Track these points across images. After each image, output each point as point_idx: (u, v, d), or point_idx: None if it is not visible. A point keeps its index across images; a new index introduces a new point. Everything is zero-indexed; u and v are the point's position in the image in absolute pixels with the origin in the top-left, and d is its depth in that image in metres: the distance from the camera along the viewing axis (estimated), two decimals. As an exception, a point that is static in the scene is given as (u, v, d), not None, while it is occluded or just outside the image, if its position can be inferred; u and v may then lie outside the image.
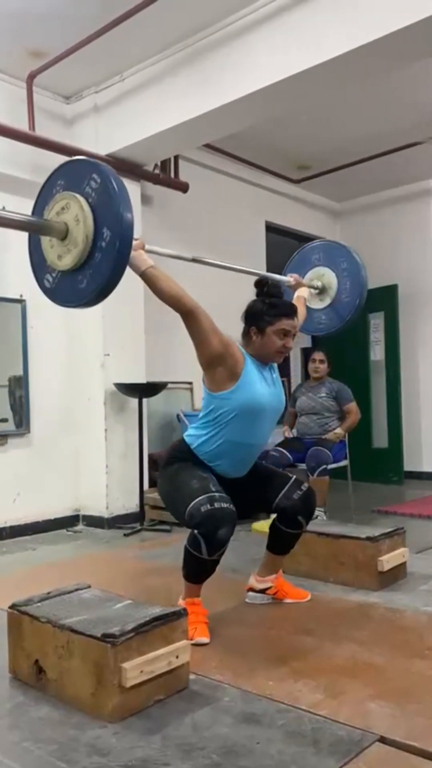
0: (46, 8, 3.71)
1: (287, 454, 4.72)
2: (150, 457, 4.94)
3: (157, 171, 5.01)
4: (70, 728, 1.73)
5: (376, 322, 6.95)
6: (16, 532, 4.43)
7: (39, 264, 2.22)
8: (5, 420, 4.47)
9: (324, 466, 4.51)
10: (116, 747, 1.63)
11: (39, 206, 2.21)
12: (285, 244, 6.99)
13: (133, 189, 4.87)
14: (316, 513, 4.37)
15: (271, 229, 6.58)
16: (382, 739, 1.64)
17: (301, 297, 3.21)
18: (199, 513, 2.21)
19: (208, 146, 5.46)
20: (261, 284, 2.61)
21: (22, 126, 4.30)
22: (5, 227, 2.03)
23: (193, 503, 2.24)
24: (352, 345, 6.92)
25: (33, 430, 4.58)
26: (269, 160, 6.09)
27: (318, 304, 3.20)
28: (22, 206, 4.51)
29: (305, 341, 7.95)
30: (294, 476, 2.68)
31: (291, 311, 2.53)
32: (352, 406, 4.91)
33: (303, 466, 4.63)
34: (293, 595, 2.81)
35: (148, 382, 4.90)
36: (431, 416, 6.76)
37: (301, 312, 3.05)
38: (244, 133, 4.82)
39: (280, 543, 2.74)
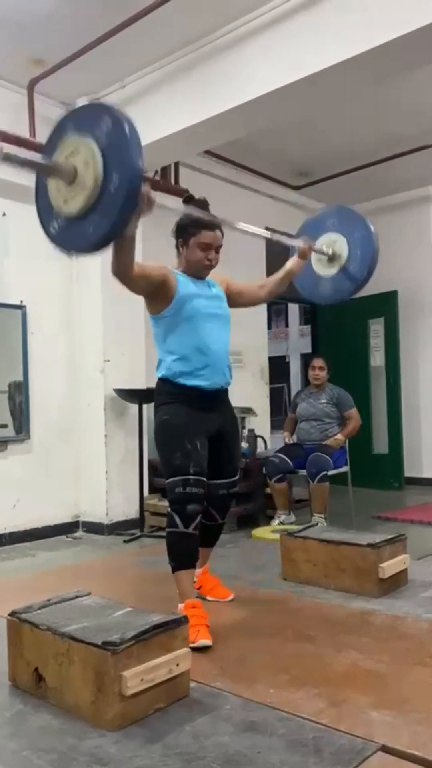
0: (47, 16, 3.72)
1: (287, 460, 4.71)
2: (150, 463, 4.93)
3: (157, 177, 5.02)
4: (69, 737, 1.72)
5: (376, 328, 6.95)
6: (15, 538, 4.42)
7: (45, 209, 2.16)
8: (5, 426, 4.47)
9: (324, 472, 4.50)
10: (116, 756, 1.62)
11: (48, 150, 2.15)
12: (285, 251, 7.01)
13: (133, 195, 4.88)
14: (316, 519, 4.39)
15: (271, 235, 6.59)
16: (384, 748, 1.63)
17: (271, 281, 3.10)
18: (173, 492, 2.53)
19: (208, 153, 5.47)
20: (188, 200, 2.71)
21: (24, 133, 4.32)
22: (12, 165, 1.94)
23: (171, 480, 2.54)
24: (352, 351, 6.93)
25: (33, 436, 4.58)
26: (269, 167, 6.10)
27: (326, 271, 3.10)
28: (24, 212, 4.54)
29: (305, 347, 7.95)
30: (237, 476, 2.87)
31: (211, 224, 2.60)
32: (353, 412, 4.91)
33: (303, 472, 4.63)
34: (216, 593, 2.90)
35: (148, 387, 4.89)
36: (431, 422, 6.76)
37: (262, 293, 3.02)
38: (244, 139, 4.84)
39: (200, 533, 2.81)
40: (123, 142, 1.91)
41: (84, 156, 1.94)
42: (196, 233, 2.61)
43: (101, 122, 1.95)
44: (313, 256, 3.10)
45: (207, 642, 2.33)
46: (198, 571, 2.88)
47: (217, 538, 2.98)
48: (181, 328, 2.60)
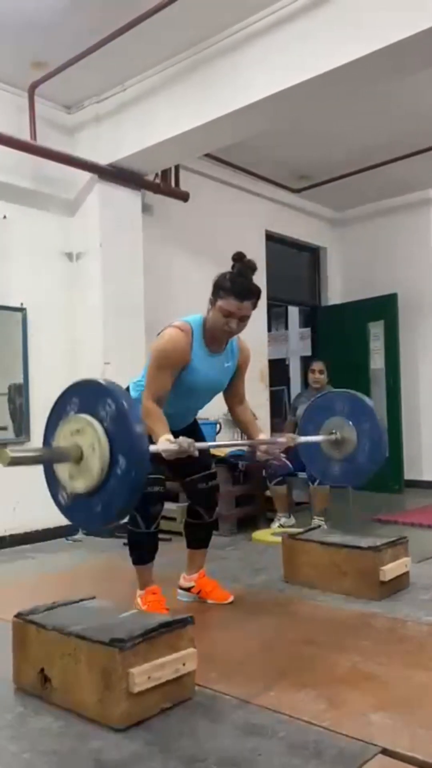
0: (48, 19, 3.73)
1: (287, 462, 4.71)
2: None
3: (157, 180, 5.02)
4: (70, 739, 1.72)
5: (376, 331, 6.95)
6: (15, 540, 4.41)
7: (52, 479, 2.09)
8: (5, 428, 4.46)
9: (324, 475, 4.49)
10: (117, 758, 1.62)
11: (52, 421, 2.09)
12: (284, 253, 7.02)
13: (133, 198, 4.89)
14: (318, 522, 4.38)
15: (271, 238, 6.61)
16: (385, 751, 1.63)
17: (244, 421, 2.93)
18: None
19: (208, 156, 5.48)
20: (238, 258, 2.59)
21: (24, 135, 4.32)
22: (23, 465, 1.90)
23: None
24: (352, 354, 6.93)
25: (33, 438, 4.57)
26: (269, 170, 6.11)
27: (335, 454, 3.07)
28: (24, 215, 4.57)
29: (305, 350, 7.96)
30: (213, 470, 2.87)
31: (244, 295, 2.50)
32: (353, 415, 4.90)
33: (303, 474, 4.62)
34: (215, 596, 2.90)
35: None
36: (431, 425, 6.76)
37: (233, 405, 2.90)
38: (245, 142, 4.85)
39: (190, 534, 2.93)
40: (128, 428, 1.86)
41: (90, 439, 1.89)
42: (224, 297, 2.51)
43: (105, 405, 1.91)
44: (323, 437, 3.05)
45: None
46: (194, 575, 2.93)
47: (208, 538, 2.95)
48: (173, 390, 2.57)
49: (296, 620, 2.69)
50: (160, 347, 2.55)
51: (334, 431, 3.03)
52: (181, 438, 2.31)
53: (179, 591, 2.96)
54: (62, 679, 1.90)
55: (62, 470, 1.98)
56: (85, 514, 1.98)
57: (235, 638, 2.50)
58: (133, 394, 2.75)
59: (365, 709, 1.85)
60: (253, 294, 2.53)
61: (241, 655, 2.32)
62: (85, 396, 2.01)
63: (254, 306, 2.56)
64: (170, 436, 2.36)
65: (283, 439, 2.87)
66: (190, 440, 2.30)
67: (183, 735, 1.73)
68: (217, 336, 2.60)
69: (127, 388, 2.80)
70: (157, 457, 2.49)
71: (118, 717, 1.75)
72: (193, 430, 2.84)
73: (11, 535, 4.41)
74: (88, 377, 2.18)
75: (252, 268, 2.58)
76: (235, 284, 2.50)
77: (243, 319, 2.55)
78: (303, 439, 3.04)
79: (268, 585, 3.18)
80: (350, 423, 3.01)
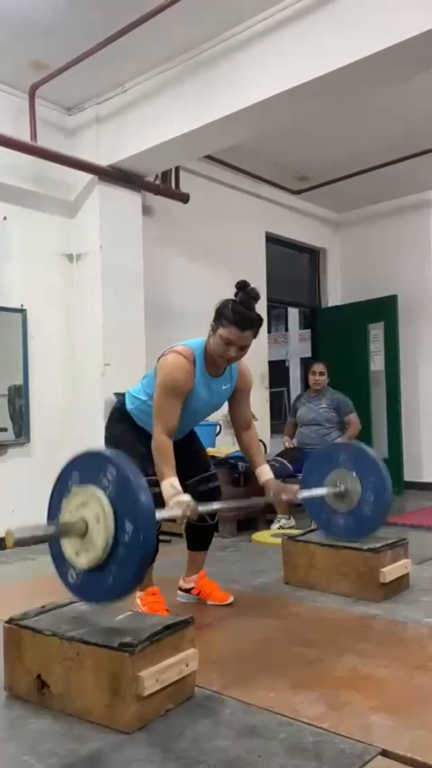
0: (49, 21, 3.74)
1: (287, 464, 4.71)
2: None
3: (157, 182, 5.03)
4: (70, 741, 1.72)
5: (376, 333, 6.96)
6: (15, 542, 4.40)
7: (58, 557, 2.02)
8: (5, 429, 4.46)
9: (324, 477, 4.49)
10: (117, 760, 1.62)
11: (55, 499, 2.05)
12: (284, 255, 7.03)
13: (133, 200, 4.90)
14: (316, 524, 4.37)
15: (271, 239, 6.61)
16: (384, 753, 1.63)
17: (251, 455, 2.92)
18: None
19: (208, 157, 5.48)
20: (241, 287, 2.57)
21: (24, 137, 4.33)
22: (30, 545, 1.86)
23: None
24: (352, 355, 6.93)
25: (33, 440, 4.57)
26: (269, 171, 6.12)
27: (339, 507, 3.08)
28: (24, 216, 4.57)
29: (305, 351, 7.96)
30: (213, 471, 2.88)
31: (246, 325, 2.50)
32: (353, 417, 4.91)
33: (303, 476, 4.62)
34: (214, 597, 2.89)
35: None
36: (431, 426, 6.76)
37: (240, 433, 2.90)
38: (245, 144, 4.86)
39: (191, 536, 2.93)
40: (131, 492, 1.82)
41: (94, 510, 1.86)
42: (226, 326, 2.51)
43: (107, 472, 1.88)
44: (327, 490, 3.06)
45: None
46: (194, 577, 2.93)
47: (209, 540, 2.96)
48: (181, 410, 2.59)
49: (296, 622, 2.69)
50: (168, 377, 2.54)
51: (338, 483, 3.06)
52: (187, 501, 2.32)
53: (179, 592, 2.97)
54: (63, 684, 1.88)
55: (69, 547, 1.93)
56: (97, 589, 1.90)
57: (236, 639, 2.50)
58: (129, 406, 2.78)
59: (365, 711, 1.85)
60: (255, 324, 2.54)
61: (240, 656, 2.32)
62: (84, 467, 1.98)
63: (255, 335, 2.58)
64: (176, 482, 2.40)
65: (286, 496, 2.81)
66: (194, 506, 2.32)
67: (183, 736, 1.73)
68: (217, 361, 2.62)
69: (124, 397, 2.83)
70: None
71: (127, 721, 1.74)
72: (191, 439, 2.90)
73: (11, 537, 4.41)
74: (85, 449, 2.07)
75: (255, 297, 2.56)
76: (237, 314, 2.50)
77: (243, 348, 2.57)
78: (305, 494, 3.03)
79: (268, 586, 3.18)
80: (354, 475, 3.02)
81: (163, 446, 2.48)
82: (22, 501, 4.47)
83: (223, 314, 2.53)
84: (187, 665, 1.90)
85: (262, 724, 1.79)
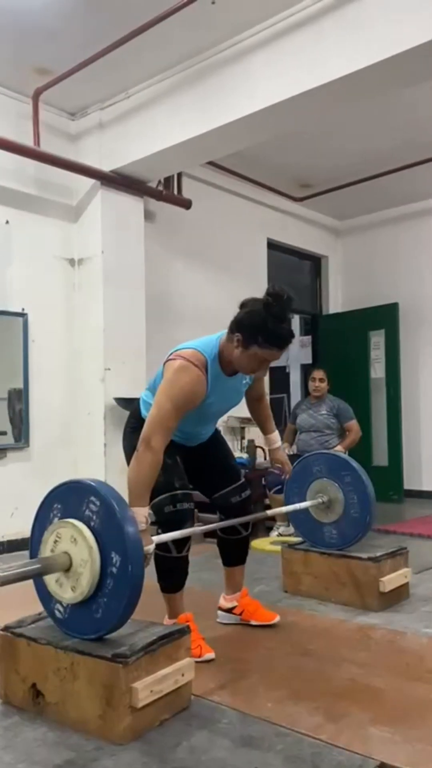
0: (53, 26, 3.75)
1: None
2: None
3: (160, 187, 5.03)
4: (66, 750, 1.70)
5: (377, 340, 6.96)
6: (13, 546, 4.39)
7: (42, 592, 1.97)
8: (4, 433, 4.45)
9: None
10: (112, 770, 1.60)
11: (37, 532, 1.98)
12: (286, 262, 7.03)
13: (136, 205, 4.90)
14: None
15: (273, 246, 6.62)
16: (383, 766, 1.62)
17: (262, 421, 2.86)
18: (162, 513, 2.32)
19: (211, 164, 5.49)
20: (277, 297, 2.24)
21: (28, 141, 4.33)
22: (12, 583, 1.72)
23: (157, 499, 2.31)
24: (352, 362, 6.93)
25: (32, 443, 4.56)
26: (271, 178, 6.13)
27: (326, 518, 3.08)
28: (27, 221, 4.58)
29: (305, 358, 7.95)
30: (242, 480, 2.69)
31: (286, 345, 2.29)
32: (353, 424, 4.90)
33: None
34: (258, 617, 2.70)
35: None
36: (431, 434, 6.75)
37: (254, 402, 2.79)
38: (247, 151, 4.86)
39: (224, 551, 2.74)
40: (116, 521, 1.77)
41: (78, 543, 1.80)
42: (265, 347, 2.22)
43: (89, 504, 1.81)
44: (309, 503, 3.08)
45: (211, 655, 2.32)
46: (236, 595, 2.76)
47: (245, 553, 2.76)
48: (188, 415, 2.33)
49: (295, 631, 2.67)
50: (179, 391, 2.22)
51: (320, 495, 3.08)
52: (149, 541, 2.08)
53: (219, 613, 2.77)
54: (57, 694, 1.86)
55: (53, 582, 1.87)
56: (84, 620, 1.84)
57: (233, 649, 2.48)
58: (144, 413, 2.47)
59: (364, 722, 1.84)
60: (292, 340, 2.31)
61: (238, 666, 2.30)
62: (66, 499, 1.91)
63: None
64: (145, 512, 2.12)
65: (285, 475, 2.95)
66: (149, 548, 2.06)
67: (179, 746, 1.71)
68: (237, 371, 2.38)
69: (139, 403, 2.61)
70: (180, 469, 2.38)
71: (121, 733, 1.72)
72: (217, 444, 2.71)
73: (9, 541, 4.39)
74: (66, 480, 1.96)
75: (291, 308, 2.28)
76: (278, 336, 2.22)
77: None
78: (290, 507, 3.09)
79: (267, 595, 3.16)
80: (335, 484, 3.05)
81: (157, 464, 2.17)
82: (21, 504, 4.46)
83: (260, 330, 2.21)
84: (183, 675, 1.88)
85: (260, 735, 1.77)
